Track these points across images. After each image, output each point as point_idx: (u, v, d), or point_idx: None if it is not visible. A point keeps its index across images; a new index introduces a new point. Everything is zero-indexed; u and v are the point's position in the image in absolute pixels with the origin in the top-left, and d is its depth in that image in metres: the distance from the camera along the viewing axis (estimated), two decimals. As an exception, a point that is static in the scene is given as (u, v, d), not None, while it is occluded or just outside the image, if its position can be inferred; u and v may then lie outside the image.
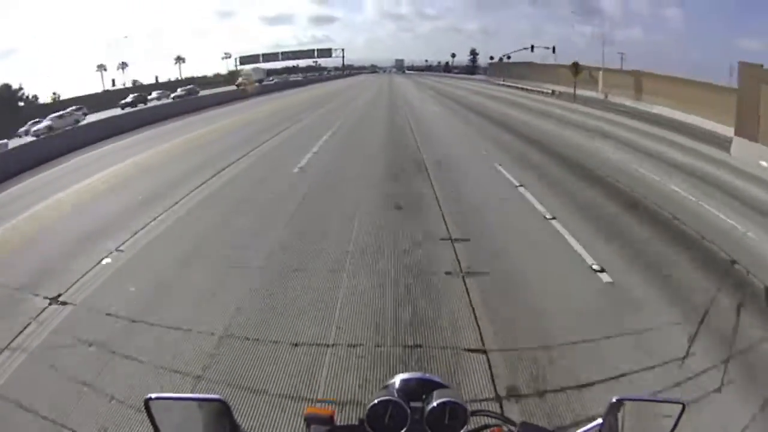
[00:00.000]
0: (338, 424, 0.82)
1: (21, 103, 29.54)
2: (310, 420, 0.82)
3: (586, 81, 22.86)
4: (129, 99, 26.43)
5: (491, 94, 25.08)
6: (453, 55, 71.83)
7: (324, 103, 22.09)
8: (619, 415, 0.78)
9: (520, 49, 36.76)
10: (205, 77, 50.34)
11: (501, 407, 2.39)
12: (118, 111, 22.62)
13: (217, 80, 44.81)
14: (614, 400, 0.78)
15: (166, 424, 0.74)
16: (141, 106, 24.03)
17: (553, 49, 33.32)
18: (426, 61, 77.41)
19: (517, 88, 29.19)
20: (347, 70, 64.28)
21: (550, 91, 24.00)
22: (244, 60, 62.41)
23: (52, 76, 48.65)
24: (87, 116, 21.60)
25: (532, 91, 26.56)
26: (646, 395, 0.86)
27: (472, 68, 61.21)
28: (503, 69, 39.47)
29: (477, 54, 63.72)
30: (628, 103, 18.77)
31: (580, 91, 22.23)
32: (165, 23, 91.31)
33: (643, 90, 18.63)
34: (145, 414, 0.71)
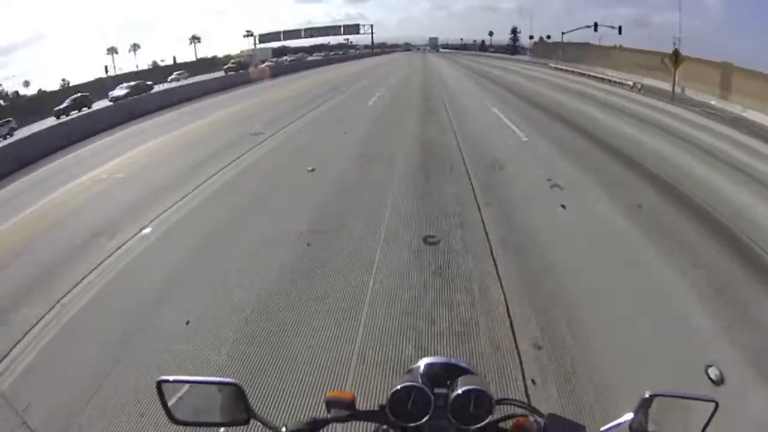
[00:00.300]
0: (359, 408, 0.89)
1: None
2: (331, 404, 0.88)
3: (653, 68, 19.01)
4: (66, 103, 19.93)
5: (552, 82, 20.67)
6: (490, 34, 68.98)
7: (351, 82, 19.92)
8: (650, 410, 0.84)
9: (581, 27, 32.08)
10: (228, 57, 48.03)
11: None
12: (51, 121, 16.95)
13: (238, 58, 42.58)
14: (647, 395, 0.85)
15: (178, 407, 0.81)
16: (85, 110, 18.32)
17: (620, 29, 28.26)
18: (461, 39, 76.22)
19: (578, 74, 23.97)
20: (379, 48, 63.21)
21: (630, 84, 19.01)
22: (264, 38, 59.51)
23: (67, 61, 47.60)
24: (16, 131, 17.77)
25: (595, 78, 21.83)
26: (679, 392, 0.89)
27: (513, 48, 58.24)
28: (553, 50, 34.62)
29: (518, 32, 59.86)
30: (713, 102, 15.56)
31: (648, 81, 18.47)
32: (191, 2, 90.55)
33: (732, 87, 15.49)
34: (157, 396, 0.77)
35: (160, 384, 0.81)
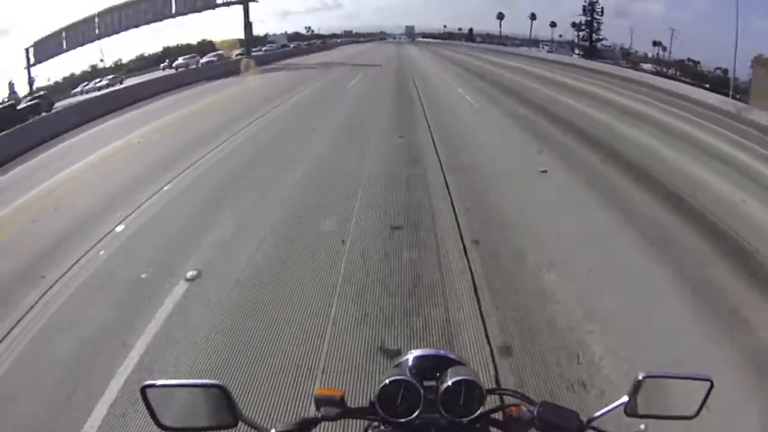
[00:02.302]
0: (349, 405, 1.31)
1: None
2: (320, 402, 1.29)
3: None
4: None
5: None
6: (500, 16, 68.34)
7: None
8: (644, 392, 1.25)
9: None
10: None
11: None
12: None
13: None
14: (640, 377, 1.25)
15: (165, 412, 1.19)
16: None
17: None
18: (444, 26, 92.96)
19: None
20: (321, 41, 72.38)
21: None
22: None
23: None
24: None
25: None
26: (672, 373, 1.29)
27: (591, 48, 47.27)
28: None
29: (599, 13, 46.44)
30: None
31: None
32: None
33: None
34: (143, 402, 1.17)
35: (144, 389, 1.21)
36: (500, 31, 66.58)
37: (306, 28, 70.85)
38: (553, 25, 57.02)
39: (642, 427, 1.31)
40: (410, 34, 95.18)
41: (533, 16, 56.88)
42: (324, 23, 67.21)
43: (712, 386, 1.26)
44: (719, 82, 30.75)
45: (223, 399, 1.19)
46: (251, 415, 1.24)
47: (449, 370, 1.27)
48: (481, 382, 1.26)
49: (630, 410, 1.27)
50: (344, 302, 5.70)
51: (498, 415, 1.36)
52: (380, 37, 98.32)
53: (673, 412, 1.32)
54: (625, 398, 1.27)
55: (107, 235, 8.11)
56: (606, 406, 1.29)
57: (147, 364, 4.92)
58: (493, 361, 4.76)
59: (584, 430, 1.27)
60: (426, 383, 1.26)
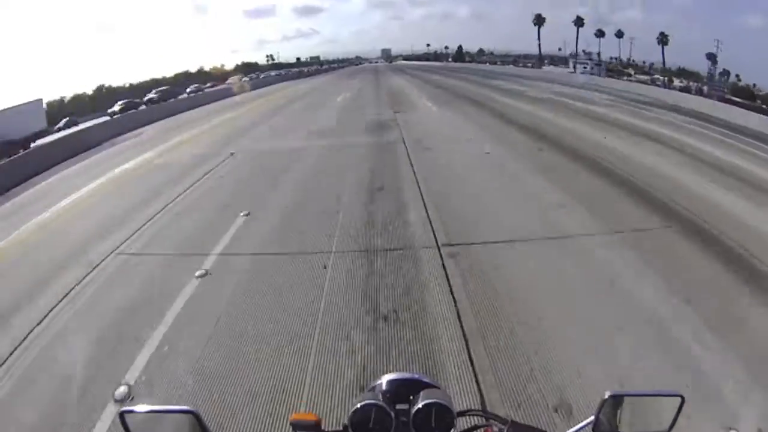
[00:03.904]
0: (324, 429, 1.34)
1: None
2: (296, 426, 1.32)
3: None
4: None
5: None
6: (538, 21, 51.80)
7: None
8: (617, 411, 1.24)
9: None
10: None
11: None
12: None
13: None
14: (606, 396, 1.24)
15: None
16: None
17: None
18: (427, 45, 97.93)
19: None
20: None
21: None
22: None
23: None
24: None
25: None
26: (641, 390, 1.31)
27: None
28: None
29: None
30: None
31: None
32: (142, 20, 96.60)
33: None
34: (121, 427, 1.23)
35: (122, 415, 1.26)
36: (539, 44, 50.33)
37: (267, 56, 68.82)
38: (600, 34, 39.58)
39: None
40: (387, 56, 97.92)
41: (580, 21, 39.97)
42: (304, 51, 69.78)
43: (683, 402, 1.24)
44: None
45: (195, 424, 1.21)
46: None
47: (422, 393, 1.29)
48: (453, 405, 1.27)
49: (598, 429, 1.25)
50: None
51: None
52: (356, 62, 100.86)
53: (646, 428, 1.27)
54: (591, 417, 1.26)
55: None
56: (573, 425, 1.29)
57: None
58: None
59: None
60: (399, 406, 1.28)
